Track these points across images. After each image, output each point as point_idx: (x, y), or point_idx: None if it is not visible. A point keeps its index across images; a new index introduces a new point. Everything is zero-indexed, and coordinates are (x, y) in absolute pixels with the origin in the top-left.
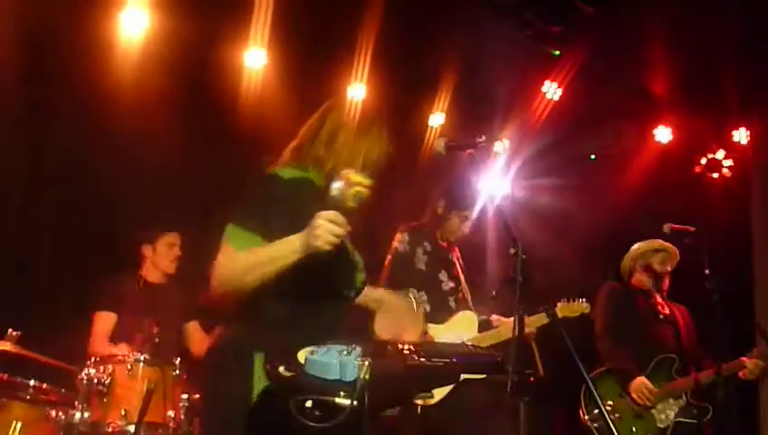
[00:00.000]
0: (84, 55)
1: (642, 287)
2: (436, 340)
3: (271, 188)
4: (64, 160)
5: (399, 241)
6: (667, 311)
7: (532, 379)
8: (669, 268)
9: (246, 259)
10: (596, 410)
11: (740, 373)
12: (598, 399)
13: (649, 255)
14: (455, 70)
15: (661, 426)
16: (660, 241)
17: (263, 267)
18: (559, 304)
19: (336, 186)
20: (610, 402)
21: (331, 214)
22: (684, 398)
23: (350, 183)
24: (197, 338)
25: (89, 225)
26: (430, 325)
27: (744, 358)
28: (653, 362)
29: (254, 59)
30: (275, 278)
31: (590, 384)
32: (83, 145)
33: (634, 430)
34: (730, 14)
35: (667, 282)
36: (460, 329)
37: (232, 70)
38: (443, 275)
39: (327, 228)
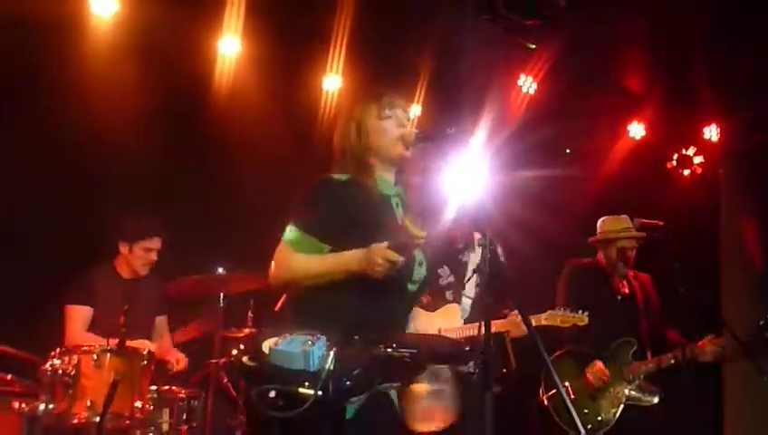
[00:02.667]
0: (50, 38)
1: (604, 264)
2: (422, 326)
3: (327, 193)
4: (34, 148)
5: None
6: (627, 290)
7: (504, 370)
8: (632, 254)
9: (305, 267)
10: (552, 392)
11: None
12: (557, 381)
13: (609, 242)
14: (430, 61)
15: (613, 408)
16: (626, 220)
17: (318, 277)
18: (548, 313)
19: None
20: (567, 384)
21: (388, 253)
22: (637, 380)
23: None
24: (162, 336)
25: (59, 214)
26: (421, 311)
27: (703, 342)
28: (611, 347)
29: (229, 46)
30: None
31: (551, 368)
32: (53, 132)
33: (586, 411)
34: (704, 13)
35: (632, 256)
36: (444, 318)
37: (206, 57)
38: (442, 271)
39: (386, 266)
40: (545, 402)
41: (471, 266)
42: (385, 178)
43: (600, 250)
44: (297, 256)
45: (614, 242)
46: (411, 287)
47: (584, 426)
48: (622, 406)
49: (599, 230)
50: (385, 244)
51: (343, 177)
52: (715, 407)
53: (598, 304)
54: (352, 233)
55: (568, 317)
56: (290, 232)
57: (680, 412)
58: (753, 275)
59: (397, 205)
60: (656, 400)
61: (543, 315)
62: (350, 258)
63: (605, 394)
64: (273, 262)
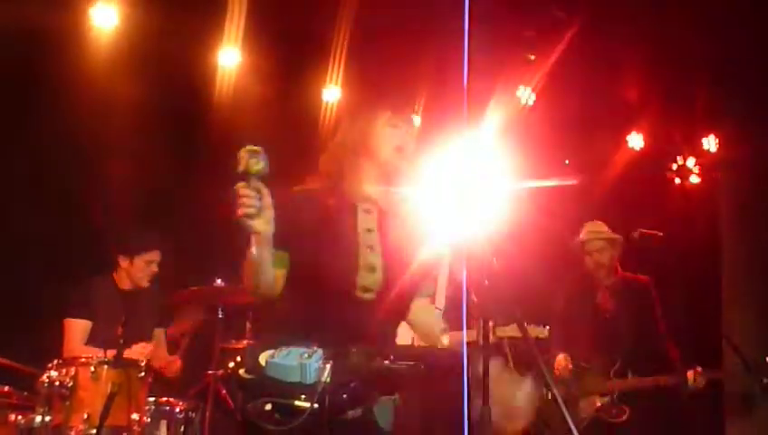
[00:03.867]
0: (51, 50)
1: (591, 277)
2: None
3: (285, 206)
4: (33, 160)
5: None
6: (613, 307)
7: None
8: (608, 258)
9: (245, 268)
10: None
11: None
12: (551, 383)
13: (588, 243)
14: (429, 73)
15: (580, 416)
16: (596, 225)
17: (254, 273)
18: (511, 326)
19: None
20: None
21: (240, 187)
22: (610, 397)
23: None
24: (159, 347)
25: (57, 225)
26: None
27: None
28: (594, 362)
29: (228, 57)
30: (289, 283)
31: (545, 372)
32: (52, 144)
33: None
34: (702, 23)
35: (607, 260)
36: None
37: (205, 68)
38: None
39: (239, 202)
40: None
41: (440, 278)
42: (362, 186)
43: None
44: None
45: (585, 244)
46: (366, 295)
47: (556, 431)
48: (588, 417)
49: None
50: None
51: (310, 187)
52: (716, 424)
53: (582, 321)
54: (303, 243)
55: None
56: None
57: (679, 429)
58: (756, 285)
59: (367, 211)
60: (621, 419)
61: (508, 328)
62: None
63: (577, 402)
64: None
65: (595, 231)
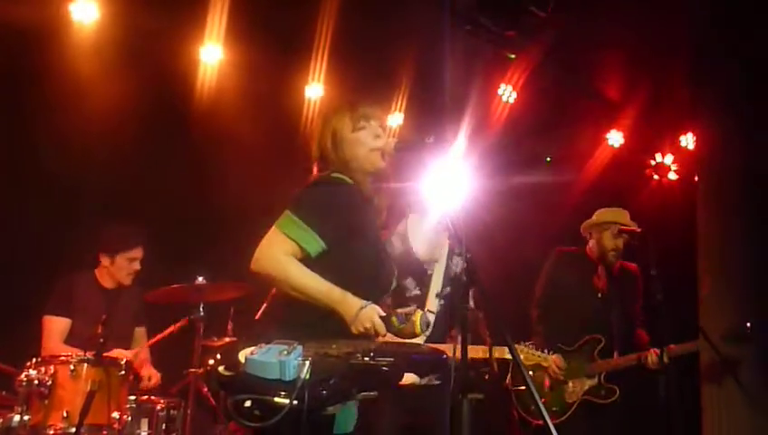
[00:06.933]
0: (30, 45)
1: (592, 255)
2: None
3: (334, 192)
4: (14, 156)
5: None
6: (607, 288)
7: (486, 376)
8: (623, 244)
9: (300, 280)
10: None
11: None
12: (528, 379)
13: (604, 226)
14: (411, 71)
15: (569, 401)
16: (621, 212)
17: (300, 293)
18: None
19: (401, 320)
20: (530, 373)
21: (377, 324)
22: (597, 378)
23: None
24: (140, 347)
25: (38, 222)
26: None
27: (653, 350)
28: (579, 342)
29: (210, 54)
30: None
31: (520, 362)
32: (33, 140)
33: (543, 401)
34: (681, 21)
35: (621, 248)
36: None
37: (188, 64)
38: (408, 283)
39: (368, 330)
40: (509, 387)
41: (435, 279)
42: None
43: (592, 238)
44: (295, 264)
45: (610, 228)
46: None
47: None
48: (578, 400)
49: (595, 217)
50: (376, 310)
51: (347, 179)
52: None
53: (574, 298)
54: (349, 237)
55: (533, 355)
56: (288, 220)
57: (657, 418)
58: (732, 281)
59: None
60: (611, 399)
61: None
62: (342, 303)
63: (564, 387)
64: (263, 247)
65: (621, 217)
